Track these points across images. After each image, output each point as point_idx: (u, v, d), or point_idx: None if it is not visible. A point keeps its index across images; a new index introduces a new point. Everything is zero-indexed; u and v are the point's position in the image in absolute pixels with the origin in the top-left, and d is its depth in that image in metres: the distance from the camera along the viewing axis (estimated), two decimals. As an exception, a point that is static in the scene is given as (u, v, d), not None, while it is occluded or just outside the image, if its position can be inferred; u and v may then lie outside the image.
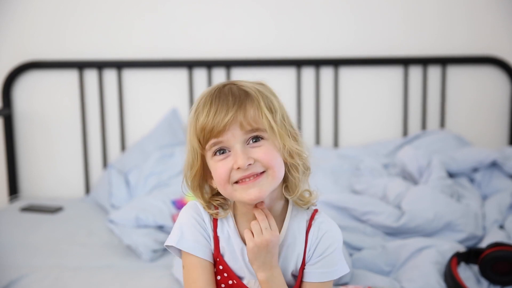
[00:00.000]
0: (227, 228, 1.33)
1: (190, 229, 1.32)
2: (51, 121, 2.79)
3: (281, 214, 1.34)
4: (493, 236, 1.98)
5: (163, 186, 2.49)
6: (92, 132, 2.80)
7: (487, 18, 2.77)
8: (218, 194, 1.33)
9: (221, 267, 1.33)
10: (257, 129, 1.24)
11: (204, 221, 1.33)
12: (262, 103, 1.25)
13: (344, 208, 2.13)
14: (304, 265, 1.33)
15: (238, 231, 1.33)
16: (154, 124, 2.78)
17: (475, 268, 1.83)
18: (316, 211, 1.36)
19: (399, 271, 1.84)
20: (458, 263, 1.80)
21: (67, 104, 2.78)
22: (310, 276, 1.33)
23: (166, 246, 1.34)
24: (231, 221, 1.33)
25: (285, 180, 1.31)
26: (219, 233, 1.33)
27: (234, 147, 1.24)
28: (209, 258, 1.32)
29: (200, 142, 1.26)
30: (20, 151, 2.80)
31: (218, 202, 1.33)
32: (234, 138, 1.24)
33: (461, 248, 1.91)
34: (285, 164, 1.28)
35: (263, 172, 1.25)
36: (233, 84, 1.29)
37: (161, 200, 2.29)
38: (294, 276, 1.34)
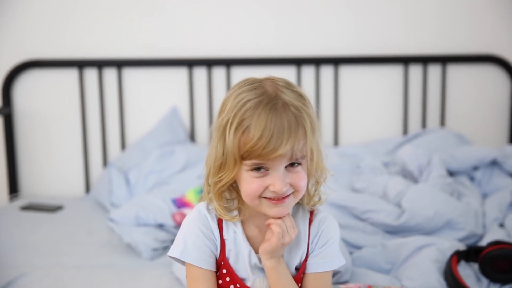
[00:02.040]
0: (233, 228, 1.32)
1: (194, 240, 1.30)
2: (51, 119, 2.79)
3: None
4: (493, 234, 1.98)
5: (163, 184, 2.49)
6: (92, 130, 2.80)
7: (487, 16, 2.76)
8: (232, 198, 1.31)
9: (224, 271, 1.33)
10: (300, 157, 1.24)
11: (211, 231, 1.32)
12: (309, 131, 1.23)
13: (344, 207, 2.13)
14: (307, 258, 1.34)
15: (245, 234, 1.33)
16: (154, 123, 2.78)
17: (475, 266, 1.83)
18: None
19: (399, 269, 1.84)
20: (458, 261, 1.80)
21: (67, 103, 2.78)
22: (313, 266, 1.34)
23: (169, 256, 1.33)
24: (238, 223, 1.32)
25: None
26: (225, 236, 1.32)
27: (275, 170, 1.23)
28: (212, 268, 1.32)
29: (241, 154, 1.22)
30: (20, 149, 2.80)
31: (232, 208, 1.31)
32: (279, 164, 1.22)
33: (461, 246, 1.91)
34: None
35: (291, 193, 1.26)
36: (282, 98, 1.22)
37: (161, 199, 2.29)
38: (297, 269, 1.35)
